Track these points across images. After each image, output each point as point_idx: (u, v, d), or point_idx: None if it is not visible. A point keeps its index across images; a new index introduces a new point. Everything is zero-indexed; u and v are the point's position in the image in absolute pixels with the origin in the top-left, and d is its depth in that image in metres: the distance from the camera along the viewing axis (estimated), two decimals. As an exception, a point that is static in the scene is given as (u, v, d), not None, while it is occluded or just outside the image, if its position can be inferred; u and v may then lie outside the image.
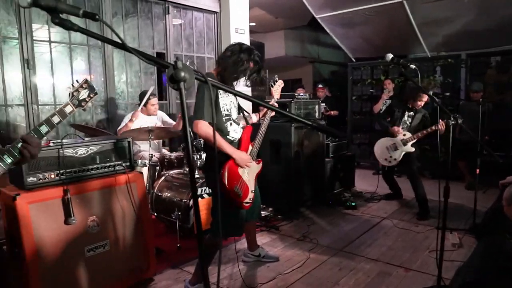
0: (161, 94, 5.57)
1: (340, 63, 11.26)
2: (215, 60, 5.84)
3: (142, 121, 4.26)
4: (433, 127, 4.34)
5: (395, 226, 4.27)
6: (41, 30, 4.16)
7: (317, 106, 4.77)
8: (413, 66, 2.44)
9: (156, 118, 4.47)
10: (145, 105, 4.31)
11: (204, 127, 2.46)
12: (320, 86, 7.56)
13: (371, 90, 7.78)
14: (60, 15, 1.03)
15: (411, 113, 4.68)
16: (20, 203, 2.24)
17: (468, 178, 5.86)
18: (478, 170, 4.05)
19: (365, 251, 3.59)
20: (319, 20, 7.10)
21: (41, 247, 2.32)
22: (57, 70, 4.28)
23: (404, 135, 4.57)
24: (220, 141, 2.53)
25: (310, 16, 7.91)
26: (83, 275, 2.52)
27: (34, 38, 3.98)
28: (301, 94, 4.55)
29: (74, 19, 1.07)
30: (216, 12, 5.73)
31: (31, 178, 2.33)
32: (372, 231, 4.15)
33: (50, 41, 4.17)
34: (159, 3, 5.09)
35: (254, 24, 9.05)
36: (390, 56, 2.49)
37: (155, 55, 5.14)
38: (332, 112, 7.11)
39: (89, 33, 1.06)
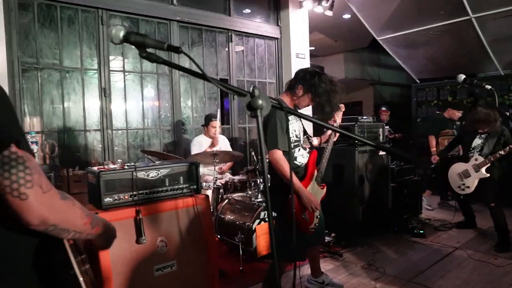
0: (223, 119, 5.74)
1: (403, 85, 10.92)
2: (276, 85, 5.93)
3: (206, 145, 4.43)
4: (507, 149, 4.01)
5: (470, 257, 3.95)
6: (116, 61, 4.51)
7: (381, 129, 4.64)
8: (488, 87, 2.31)
9: (222, 139, 4.60)
10: (206, 126, 4.49)
11: (278, 157, 2.49)
12: (383, 108, 7.31)
13: (437, 112, 7.42)
14: (147, 49, 1.11)
15: (483, 135, 4.35)
16: (98, 222, 2.39)
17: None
18: None
19: (437, 283, 3.35)
20: (380, 42, 6.98)
21: (115, 264, 2.44)
22: (129, 97, 4.59)
23: (476, 159, 4.27)
24: (294, 179, 2.52)
25: (370, 38, 7.82)
26: (152, 294, 2.60)
27: (110, 68, 4.32)
28: (364, 117, 4.46)
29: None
30: (277, 38, 5.86)
31: (107, 199, 2.48)
32: (444, 261, 3.88)
33: (124, 71, 4.50)
34: (223, 32, 5.32)
35: (313, 48, 9.11)
36: (462, 76, 2.39)
37: (218, 82, 5.34)
38: (396, 135, 6.84)
39: (172, 65, 1.13)
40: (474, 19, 5.62)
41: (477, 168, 4.23)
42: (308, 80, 2.61)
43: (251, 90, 1.07)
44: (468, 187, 4.32)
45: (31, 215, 0.88)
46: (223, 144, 4.72)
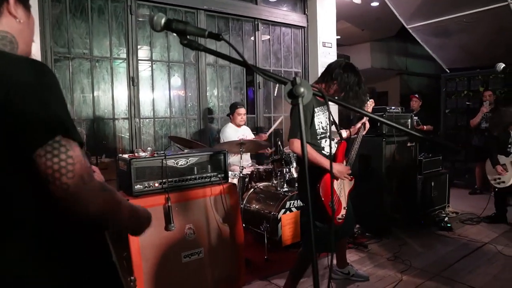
0: (248, 108, 5.73)
1: (431, 75, 10.63)
2: (302, 74, 5.87)
3: (233, 135, 4.44)
4: None
5: (500, 252, 3.85)
6: (143, 51, 4.55)
7: (409, 120, 4.54)
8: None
9: (243, 132, 4.60)
10: (232, 114, 4.50)
11: (299, 145, 2.48)
12: (416, 95, 6.80)
13: (467, 103, 7.21)
14: (188, 36, 1.10)
15: None
16: (129, 208, 2.44)
17: None
18: None
19: (466, 278, 3.28)
20: (410, 31, 6.79)
21: (145, 251, 2.50)
22: (157, 86, 4.64)
23: None
24: (316, 156, 2.52)
25: (398, 26, 7.62)
26: (179, 280, 2.65)
27: (138, 58, 4.36)
28: (393, 108, 4.37)
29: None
30: (304, 27, 5.78)
31: (138, 186, 2.53)
32: (473, 256, 3.80)
33: (152, 60, 4.54)
34: (249, 20, 5.28)
35: (339, 37, 8.96)
36: (501, 65, 2.30)
37: (244, 71, 5.33)
38: (425, 126, 6.49)
39: (213, 52, 1.13)
40: (512, 4, 5.38)
41: None
42: (339, 72, 2.59)
43: (292, 78, 1.06)
44: (503, 182, 4.23)
45: (72, 206, 0.90)
46: (248, 133, 4.72)
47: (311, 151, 2.50)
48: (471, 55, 6.96)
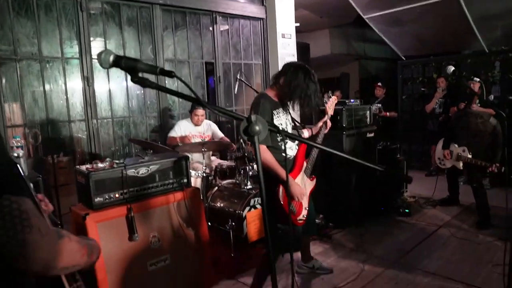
0: (209, 98, 5.67)
1: (388, 59, 10.92)
2: (262, 66, 5.86)
3: (188, 129, 4.40)
4: (486, 164, 4.14)
5: (453, 235, 4.10)
6: (97, 48, 4.36)
7: (368, 112, 4.66)
8: (477, 79, 2.33)
9: (202, 128, 4.55)
10: (191, 113, 4.45)
11: (262, 151, 2.49)
12: (379, 84, 6.96)
13: (422, 89, 7.48)
14: (139, 74, 1.08)
15: None
16: (89, 222, 2.39)
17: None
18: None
19: (422, 264, 3.48)
20: (367, 21, 6.91)
21: (109, 264, 2.46)
22: (114, 85, 4.49)
23: (463, 151, 4.38)
24: (278, 169, 2.53)
25: (355, 13, 7.72)
26: (146, 289, 2.64)
27: (92, 56, 4.18)
28: (352, 101, 4.47)
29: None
30: (262, 19, 5.74)
31: (98, 199, 2.47)
32: (429, 240, 4.02)
33: (107, 58, 4.36)
34: (207, 13, 5.18)
35: (298, 24, 8.97)
36: (451, 68, 2.41)
37: (204, 65, 5.25)
38: (388, 113, 6.64)
39: (164, 90, 1.11)
40: (460, -4, 5.61)
41: (460, 158, 4.37)
42: (291, 74, 2.60)
43: (248, 116, 1.06)
44: (444, 165, 4.54)
45: (32, 261, 0.87)
46: (212, 129, 4.68)
47: (271, 160, 2.51)
48: (423, 43, 7.21)
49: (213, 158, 4.83)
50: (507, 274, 2.32)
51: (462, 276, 3.20)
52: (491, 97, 5.46)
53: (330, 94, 3.01)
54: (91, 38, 4.20)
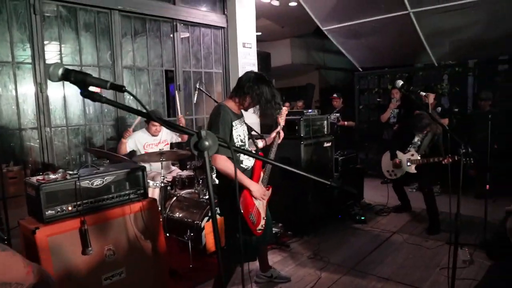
0: (169, 110, 5.61)
1: (346, 69, 11.28)
2: (223, 75, 5.88)
3: (145, 140, 4.33)
4: (439, 159, 4.30)
5: (405, 241, 4.27)
6: (51, 53, 4.22)
7: (325, 122, 4.79)
8: (423, 93, 2.47)
9: (160, 137, 4.48)
10: (147, 123, 4.38)
11: (222, 161, 2.51)
12: (335, 95, 7.20)
13: (378, 99, 7.78)
14: (89, 88, 1.07)
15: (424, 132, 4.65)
16: (39, 236, 2.29)
17: (478, 188, 5.81)
18: (488, 186, 3.99)
19: (376, 270, 3.60)
20: (325, 32, 7.12)
21: (61, 279, 2.37)
22: (69, 92, 4.34)
23: (412, 155, 4.58)
24: (239, 174, 2.57)
25: (316, 24, 7.94)
26: (100, 304, 2.56)
27: (46, 61, 4.03)
28: (310, 111, 4.57)
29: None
30: (224, 28, 5.78)
31: (49, 212, 2.38)
32: (383, 247, 4.16)
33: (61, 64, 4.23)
34: (167, 21, 5.14)
35: (260, 33, 9.11)
36: (400, 82, 2.52)
37: (164, 73, 5.20)
38: (346, 122, 6.86)
39: (115, 105, 1.10)
40: (412, 13, 5.91)
41: (410, 163, 4.57)
42: (251, 86, 2.64)
43: (197, 131, 1.08)
44: (395, 175, 4.72)
45: None
46: (172, 136, 4.62)
47: (232, 168, 2.53)
48: (378, 55, 7.53)
49: (173, 167, 4.78)
50: (451, 277, 2.45)
51: (413, 280, 3.35)
52: (439, 109, 5.74)
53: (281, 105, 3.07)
54: (45, 42, 4.06)
